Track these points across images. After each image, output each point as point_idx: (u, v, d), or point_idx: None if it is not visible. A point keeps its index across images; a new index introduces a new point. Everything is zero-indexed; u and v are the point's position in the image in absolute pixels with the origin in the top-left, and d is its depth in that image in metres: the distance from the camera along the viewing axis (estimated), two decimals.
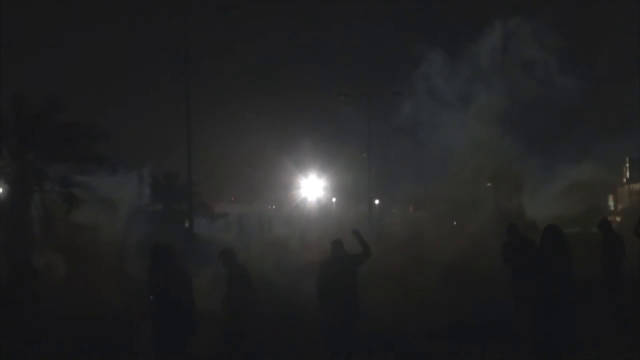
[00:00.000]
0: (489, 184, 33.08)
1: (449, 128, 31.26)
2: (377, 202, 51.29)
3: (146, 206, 35.44)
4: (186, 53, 31.01)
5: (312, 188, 53.57)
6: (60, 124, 26.78)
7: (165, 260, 10.37)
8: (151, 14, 31.93)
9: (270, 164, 48.69)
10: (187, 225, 33.33)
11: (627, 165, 35.49)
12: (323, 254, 12.68)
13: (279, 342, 13.31)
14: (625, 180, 35.69)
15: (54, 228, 25.93)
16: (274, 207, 55.63)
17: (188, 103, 30.68)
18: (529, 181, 29.88)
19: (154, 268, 10.36)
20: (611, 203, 34.89)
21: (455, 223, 32.07)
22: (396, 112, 33.95)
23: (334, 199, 55.98)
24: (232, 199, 60.47)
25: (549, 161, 29.96)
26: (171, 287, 10.12)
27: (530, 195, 29.15)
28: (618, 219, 27.00)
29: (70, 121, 27.24)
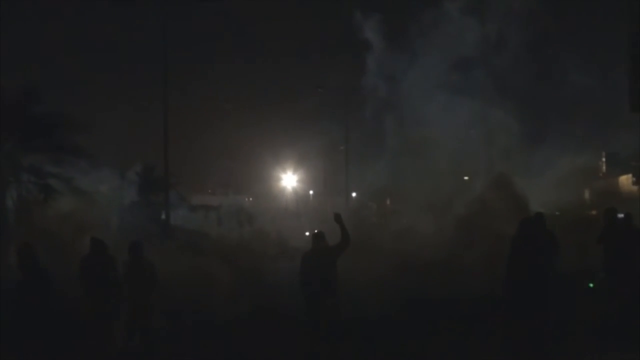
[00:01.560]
0: (466, 177, 33.17)
1: (424, 119, 31.40)
2: (354, 195, 51.40)
3: (123, 197, 35.35)
4: (164, 44, 30.93)
5: (289, 180, 53.63)
6: (38, 115, 26.59)
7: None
8: (130, 3, 31.79)
9: (248, 156, 48.72)
10: (163, 217, 33.25)
11: (604, 159, 35.72)
12: (300, 245, 12.69)
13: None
14: (601, 174, 35.92)
15: (30, 219, 25.74)
16: (251, 199, 55.71)
17: (165, 96, 30.61)
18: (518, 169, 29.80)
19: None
20: (587, 197, 35.12)
21: (433, 217, 32.10)
22: (373, 103, 34.05)
23: (311, 192, 56.09)
24: (210, 191, 60.51)
25: (535, 149, 30.06)
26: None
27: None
28: (594, 212, 27.13)
29: (47, 112, 27.06)
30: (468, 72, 31.31)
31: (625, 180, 34.59)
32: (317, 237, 11.26)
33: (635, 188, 32.78)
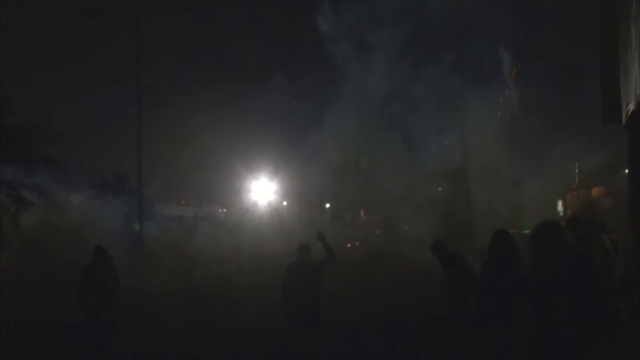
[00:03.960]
0: (440, 189, 33.27)
1: (398, 130, 31.48)
2: (327, 206, 51.30)
3: (97, 208, 35.09)
4: (138, 55, 30.78)
5: (262, 191, 53.36)
6: (10, 125, 26.39)
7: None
8: (103, 14, 31.59)
9: (221, 166, 48.47)
10: (137, 227, 33.02)
11: (577, 171, 35.77)
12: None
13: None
14: (574, 186, 36.03)
15: (2, 231, 25.58)
16: (224, 210, 55.46)
17: (139, 105, 30.41)
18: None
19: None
20: (561, 209, 35.29)
21: (405, 227, 32.18)
22: (347, 113, 34.05)
23: (284, 203, 55.87)
24: (183, 201, 60.21)
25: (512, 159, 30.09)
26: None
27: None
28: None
29: (20, 122, 26.88)
30: (443, 83, 31.49)
31: (598, 192, 34.80)
32: (302, 250, 11.12)
33: (608, 200, 32.99)
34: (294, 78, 34.59)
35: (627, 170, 11.99)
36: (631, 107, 9.10)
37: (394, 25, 31.46)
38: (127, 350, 11.90)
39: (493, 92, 30.96)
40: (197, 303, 16.65)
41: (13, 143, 26.19)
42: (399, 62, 31.45)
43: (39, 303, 15.44)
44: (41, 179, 27.10)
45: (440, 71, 31.41)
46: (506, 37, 31.15)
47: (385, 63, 32.14)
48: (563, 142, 28.69)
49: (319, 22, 33.39)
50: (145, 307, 15.71)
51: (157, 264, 21.97)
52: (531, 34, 32.82)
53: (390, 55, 31.78)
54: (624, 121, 9.97)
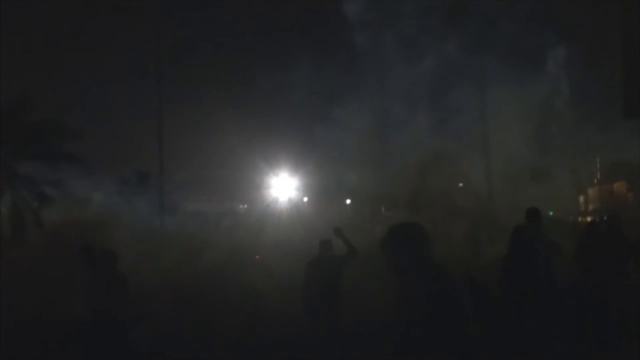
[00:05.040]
0: (460, 184, 33.12)
1: (419, 125, 31.32)
2: (348, 201, 51.24)
3: (118, 204, 35.19)
4: (157, 52, 30.89)
5: (283, 187, 53.35)
6: (31, 122, 26.53)
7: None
8: (123, 10, 31.73)
9: (242, 163, 48.55)
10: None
11: (598, 166, 35.52)
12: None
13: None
14: (596, 181, 35.79)
15: (24, 227, 25.68)
16: (245, 206, 55.55)
17: (160, 101, 30.55)
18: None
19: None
20: (582, 203, 35.11)
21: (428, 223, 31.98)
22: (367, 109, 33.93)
23: (305, 199, 55.81)
24: (204, 198, 60.29)
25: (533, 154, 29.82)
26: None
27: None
28: (589, 219, 27.05)
29: (41, 119, 27.01)
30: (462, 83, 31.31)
31: (619, 187, 34.56)
32: (323, 246, 11.01)
33: (630, 195, 32.80)
34: (315, 72, 34.27)
35: None
36: None
37: (418, 14, 31.29)
38: (138, 351, 11.86)
39: (533, 80, 30.56)
40: (213, 300, 16.61)
41: (34, 139, 26.34)
42: (426, 50, 31.23)
43: (53, 301, 15.44)
44: (63, 175, 27.20)
45: (473, 57, 31.22)
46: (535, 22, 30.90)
47: (408, 51, 31.96)
48: (587, 136, 28.48)
49: (341, 13, 33.28)
50: (163, 303, 15.66)
51: (175, 258, 22.03)
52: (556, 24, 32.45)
53: (415, 43, 31.59)
54: None
